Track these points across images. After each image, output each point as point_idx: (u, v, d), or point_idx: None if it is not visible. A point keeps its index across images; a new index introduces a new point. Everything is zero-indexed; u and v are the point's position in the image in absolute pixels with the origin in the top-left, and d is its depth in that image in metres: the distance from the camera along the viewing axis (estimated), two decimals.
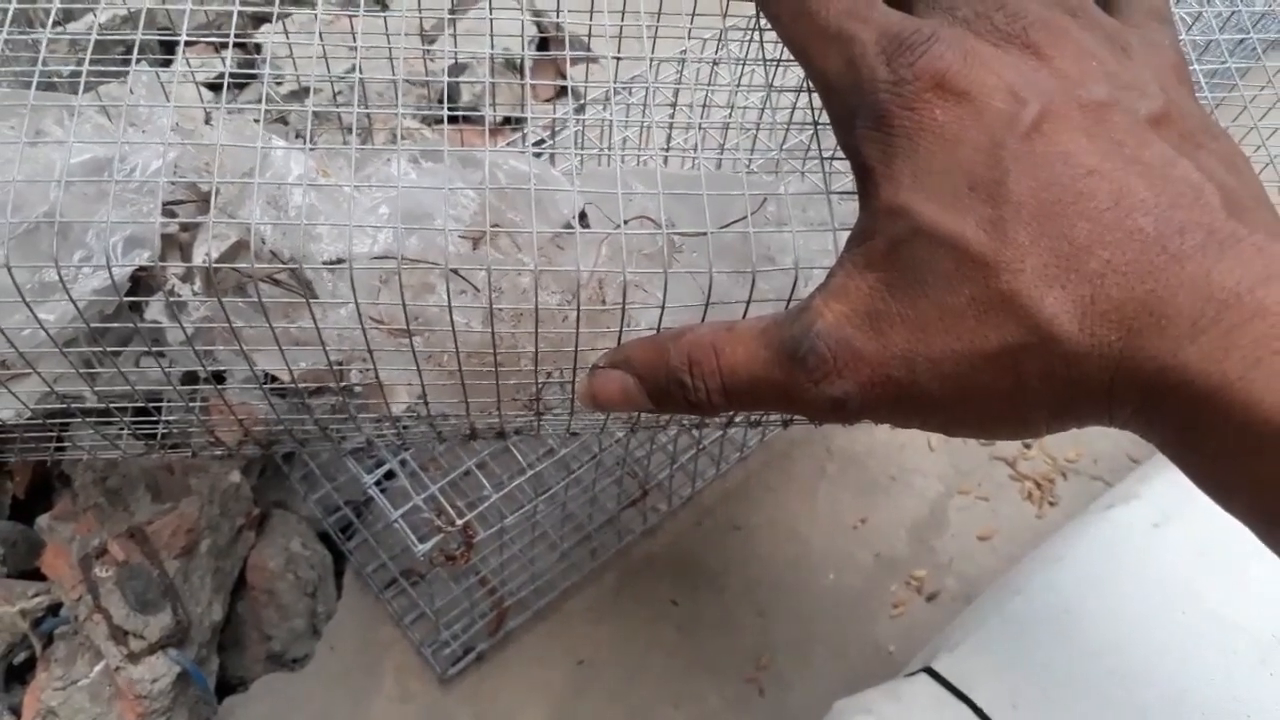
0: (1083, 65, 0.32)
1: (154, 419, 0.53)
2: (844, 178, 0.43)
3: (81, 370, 0.46)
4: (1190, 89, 0.35)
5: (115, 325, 0.43)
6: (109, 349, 0.40)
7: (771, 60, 0.51)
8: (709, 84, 0.68)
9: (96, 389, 0.46)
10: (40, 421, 0.52)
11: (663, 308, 0.40)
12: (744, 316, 0.53)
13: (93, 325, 0.40)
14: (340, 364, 0.48)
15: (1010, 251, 0.29)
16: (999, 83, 0.31)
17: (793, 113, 0.65)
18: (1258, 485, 0.29)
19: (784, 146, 0.71)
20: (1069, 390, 0.30)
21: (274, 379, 0.51)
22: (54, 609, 0.80)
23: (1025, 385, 0.30)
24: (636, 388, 0.37)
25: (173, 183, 0.49)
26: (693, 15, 0.57)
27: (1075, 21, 0.34)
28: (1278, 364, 0.27)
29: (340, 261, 0.49)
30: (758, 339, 0.34)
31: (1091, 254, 0.29)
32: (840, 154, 0.36)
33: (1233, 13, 0.54)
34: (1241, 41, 0.54)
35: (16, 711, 0.79)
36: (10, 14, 0.42)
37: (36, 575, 0.81)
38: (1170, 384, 0.28)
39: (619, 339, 0.52)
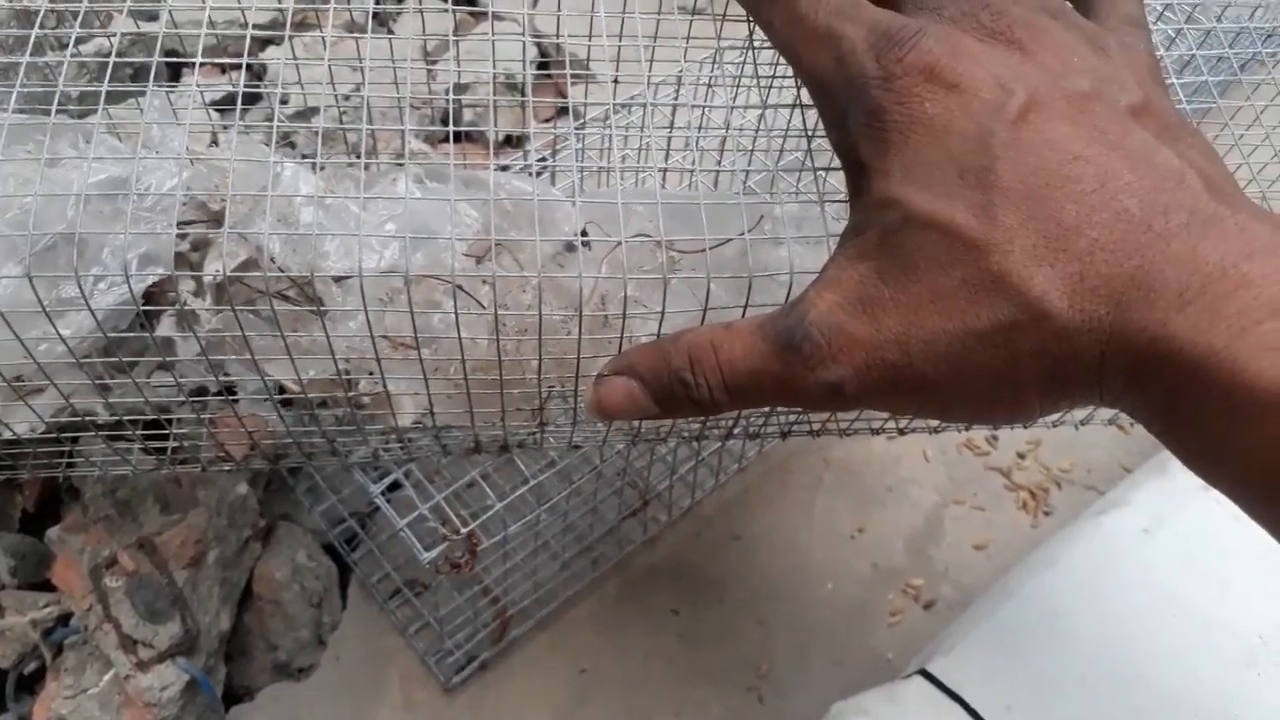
0: (1065, 60, 0.33)
1: (164, 432, 0.54)
2: (838, 192, 0.44)
3: (96, 383, 0.47)
4: (1165, 90, 0.36)
5: (129, 335, 0.45)
6: (125, 358, 0.42)
7: (766, 77, 0.53)
8: (705, 103, 0.70)
9: (111, 401, 0.47)
10: (54, 435, 0.53)
11: (662, 313, 0.41)
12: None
13: (109, 335, 0.41)
14: (348, 373, 0.49)
15: (999, 233, 0.30)
16: (986, 75, 0.32)
17: (788, 131, 0.67)
18: (1243, 453, 0.29)
19: (779, 165, 0.72)
20: (1061, 367, 0.30)
21: (283, 390, 0.53)
22: (64, 619, 0.81)
23: (1018, 363, 0.31)
24: (641, 392, 0.37)
25: (184, 203, 0.50)
26: (688, 37, 0.59)
27: (1056, 22, 0.35)
28: (1262, 332, 0.28)
29: (348, 276, 0.50)
30: (754, 333, 0.34)
31: (1079, 234, 0.30)
32: (835, 164, 0.37)
33: (1210, 29, 0.55)
34: (1220, 59, 0.55)
35: None
36: (32, 41, 0.44)
37: (47, 587, 0.83)
38: (1160, 354, 0.29)
39: (619, 351, 0.53)
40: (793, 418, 0.65)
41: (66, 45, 0.45)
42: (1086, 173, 0.30)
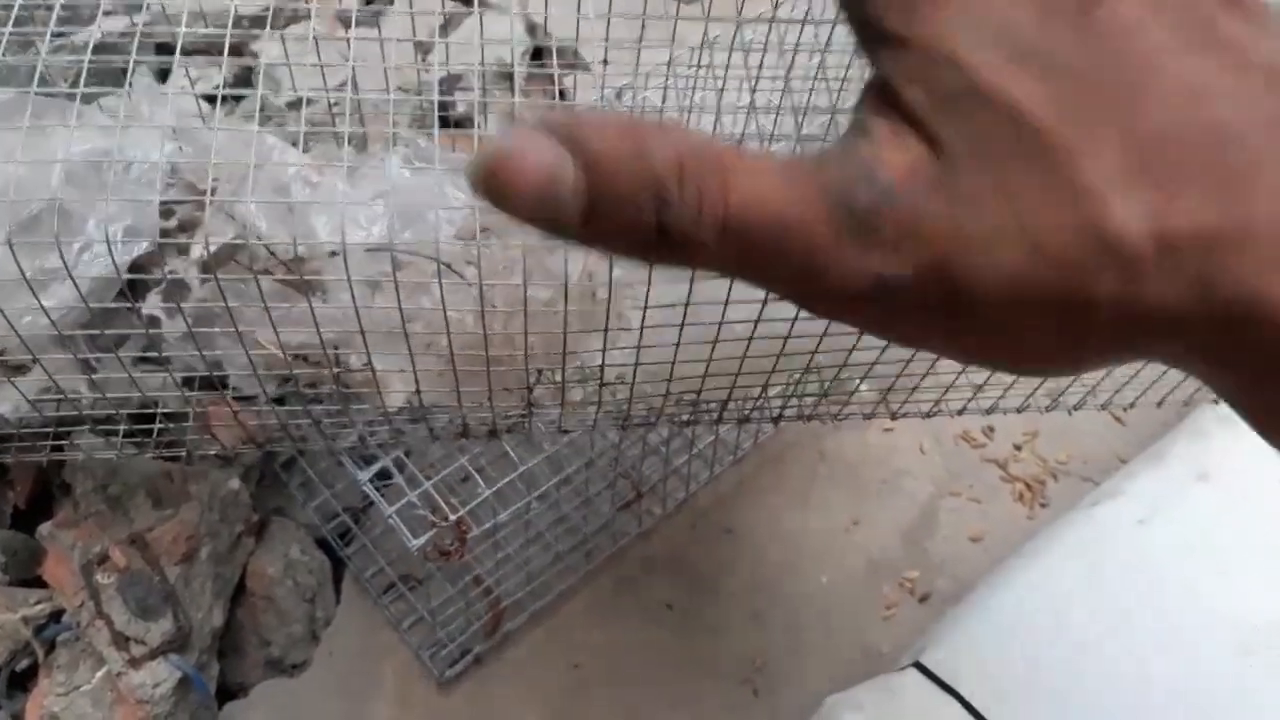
0: None
1: (151, 412, 0.54)
2: None
3: (80, 363, 0.47)
4: None
5: (114, 306, 0.44)
6: (110, 332, 0.42)
7: (759, 47, 0.53)
8: (694, 87, 0.70)
9: (95, 377, 0.47)
10: (38, 415, 0.53)
11: (649, 285, 0.41)
12: (721, 323, 0.53)
13: (92, 306, 0.41)
14: (336, 347, 0.49)
15: (1078, 138, 0.23)
16: None
17: (778, 117, 0.67)
18: None
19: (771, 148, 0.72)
20: (1135, 321, 0.24)
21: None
22: (56, 616, 0.81)
23: (1090, 307, 0.24)
24: (575, 179, 0.23)
25: (170, 183, 0.50)
26: (676, 18, 0.59)
27: None
28: None
29: (335, 254, 0.50)
30: (790, 171, 0.24)
31: (1165, 151, 0.23)
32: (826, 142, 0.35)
33: None
34: None
35: (19, 718, 0.80)
36: (13, 16, 0.44)
37: (38, 583, 0.82)
38: (1251, 317, 0.23)
39: (605, 337, 0.53)
40: (785, 403, 0.65)
41: (56, 35, 0.45)
42: (1171, 69, 0.24)
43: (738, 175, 0.24)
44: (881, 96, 0.25)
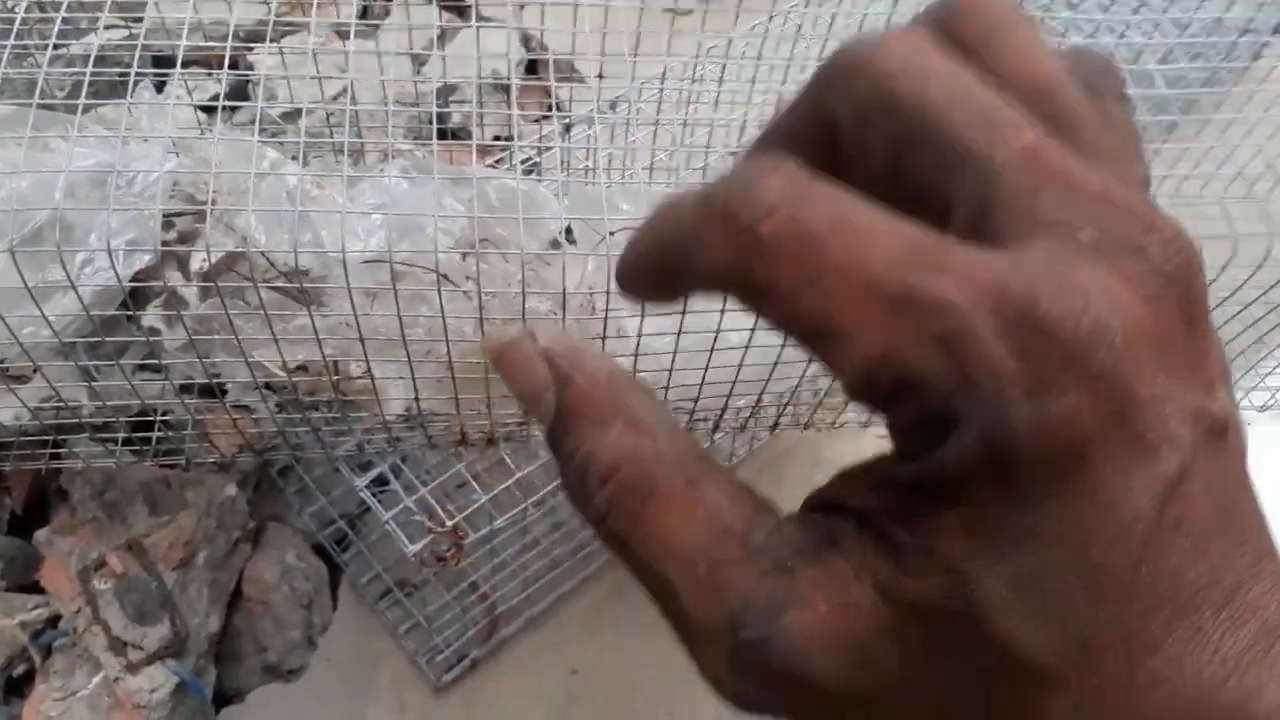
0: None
1: (150, 419, 0.54)
2: None
3: (80, 371, 0.47)
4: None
5: (115, 314, 0.45)
6: (111, 338, 0.42)
7: (753, 59, 0.53)
8: (690, 101, 0.70)
9: (95, 386, 0.47)
10: (38, 423, 0.53)
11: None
12: (717, 331, 0.53)
13: (93, 313, 0.41)
14: (335, 358, 0.49)
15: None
16: (1183, 406, 0.18)
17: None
18: None
19: None
20: None
21: (269, 386, 0.53)
22: (53, 621, 0.81)
23: None
24: (548, 408, 0.22)
25: (171, 195, 0.51)
26: (670, 32, 0.59)
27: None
28: None
29: (333, 252, 0.50)
30: (714, 545, 0.20)
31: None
32: None
33: (1189, 22, 0.56)
34: (1196, 55, 0.56)
35: None
36: (15, 30, 0.44)
37: (35, 589, 0.82)
38: None
39: (603, 345, 0.53)
40: (781, 411, 0.65)
41: (50, 39, 0.45)
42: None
43: (657, 508, 0.21)
44: (882, 555, 0.19)
